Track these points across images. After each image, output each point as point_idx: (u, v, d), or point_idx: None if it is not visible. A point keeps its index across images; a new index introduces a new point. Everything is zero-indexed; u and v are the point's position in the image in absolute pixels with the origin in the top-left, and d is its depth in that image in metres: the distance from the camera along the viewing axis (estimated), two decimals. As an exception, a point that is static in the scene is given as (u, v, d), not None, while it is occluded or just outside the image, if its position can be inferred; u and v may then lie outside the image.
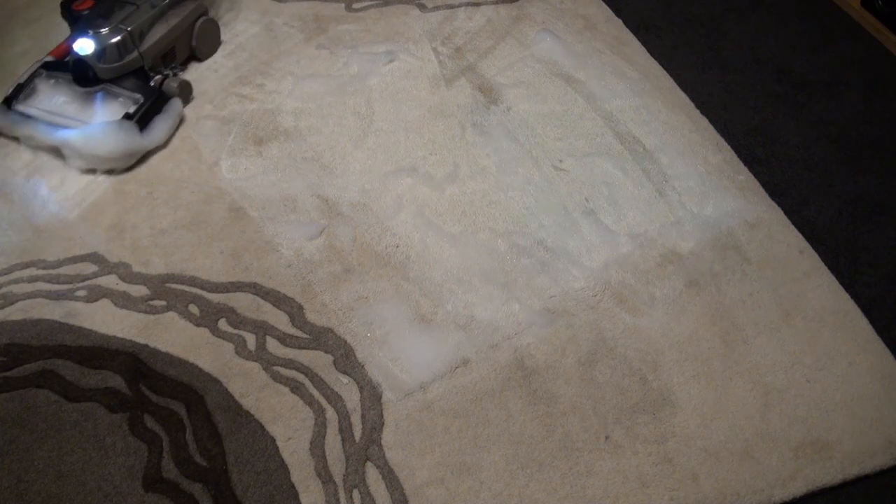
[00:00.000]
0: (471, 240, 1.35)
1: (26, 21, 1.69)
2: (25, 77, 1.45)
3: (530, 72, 1.66)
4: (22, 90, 1.44)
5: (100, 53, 1.42)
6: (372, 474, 1.08)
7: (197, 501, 1.04)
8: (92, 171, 1.41)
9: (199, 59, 1.63)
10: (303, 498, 1.05)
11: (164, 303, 1.24)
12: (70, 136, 1.39)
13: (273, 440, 1.10)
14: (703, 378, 1.19)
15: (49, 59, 1.49)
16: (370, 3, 1.80)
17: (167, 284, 1.26)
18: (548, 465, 1.10)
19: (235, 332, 1.21)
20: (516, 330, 1.23)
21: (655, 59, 1.71)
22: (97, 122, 1.41)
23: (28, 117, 1.42)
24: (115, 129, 1.39)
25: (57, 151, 1.42)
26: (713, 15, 1.86)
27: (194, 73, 1.60)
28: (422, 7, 1.78)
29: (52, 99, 1.45)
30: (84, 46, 1.41)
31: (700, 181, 1.46)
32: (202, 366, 1.17)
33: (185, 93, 1.52)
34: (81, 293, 1.24)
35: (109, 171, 1.41)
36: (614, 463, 1.10)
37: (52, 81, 1.46)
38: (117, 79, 1.45)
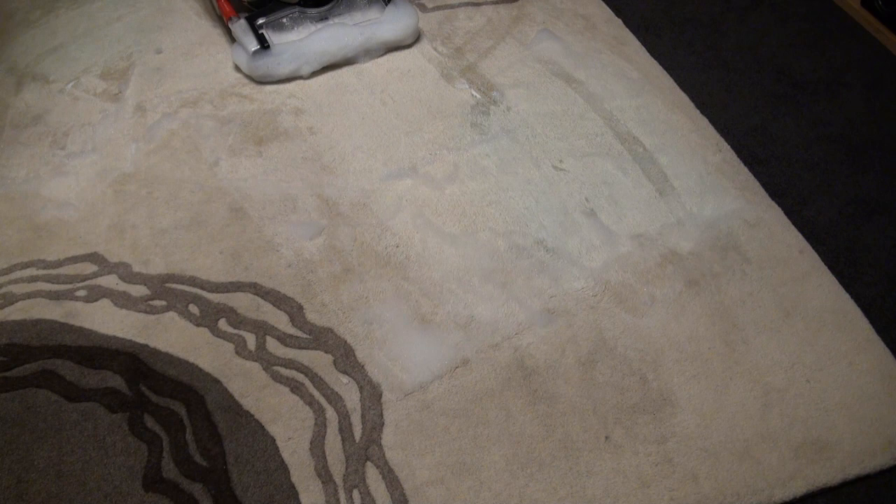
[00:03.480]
0: (471, 240, 1.35)
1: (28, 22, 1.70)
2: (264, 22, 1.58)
3: (530, 72, 1.66)
4: (261, 34, 1.56)
5: None
6: (372, 474, 1.08)
7: (197, 501, 1.04)
8: (391, 50, 1.66)
9: None
10: (303, 498, 1.05)
11: (164, 303, 1.24)
12: (375, 28, 1.60)
13: (273, 440, 1.10)
14: (703, 378, 1.20)
15: (239, 16, 1.58)
16: (370, 3, 1.80)
17: (167, 284, 1.26)
18: (548, 465, 1.10)
19: (235, 332, 1.21)
20: (516, 330, 1.23)
21: (655, 59, 1.71)
22: (386, 12, 1.62)
23: (297, 44, 1.56)
24: (405, 7, 1.63)
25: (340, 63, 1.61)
26: (713, 15, 1.86)
27: (195, 74, 1.60)
28: (422, 7, 1.78)
29: (298, 28, 1.60)
30: None
31: (700, 181, 1.46)
32: (202, 366, 1.17)
33: None
34: (81, 293, 1.24)
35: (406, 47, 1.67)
36: (614, 463, 1.10)
37: (285, 20, 1.59)
38: None
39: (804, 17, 1.87)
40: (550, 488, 1.08)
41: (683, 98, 1.63)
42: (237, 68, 1.60)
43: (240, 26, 1.57)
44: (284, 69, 1.57)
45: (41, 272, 1.27)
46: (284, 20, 1.58)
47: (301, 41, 1.57)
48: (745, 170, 1.50)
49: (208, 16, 1.73)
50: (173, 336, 1.20)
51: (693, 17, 1.85)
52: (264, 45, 1.55)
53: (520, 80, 1.63)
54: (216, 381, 1.15)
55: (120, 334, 1.20)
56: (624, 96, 1.61)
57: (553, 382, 1.18)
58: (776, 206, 1.44)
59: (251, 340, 1.20)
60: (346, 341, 1.21)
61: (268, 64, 1.55)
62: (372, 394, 1.15)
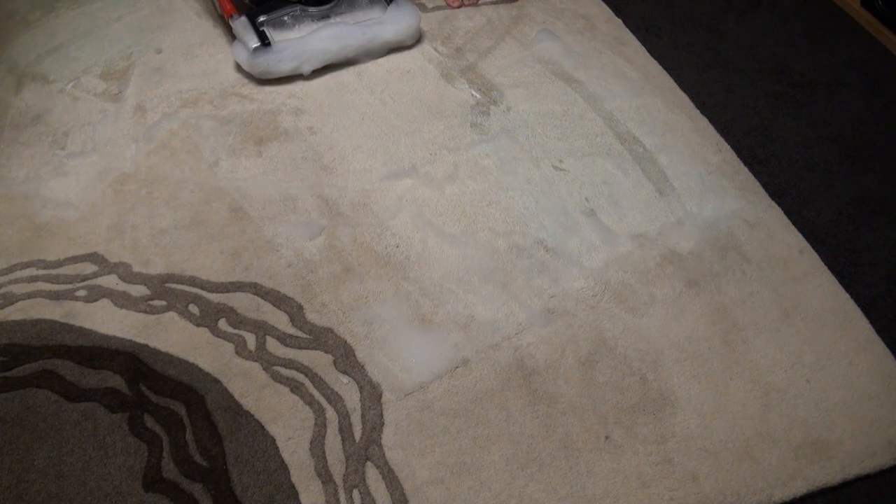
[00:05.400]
0: (471, 240, 1.35)
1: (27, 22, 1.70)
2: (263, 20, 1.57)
3: (530, 72, 1.66)
4: (262, 31, 1.55)
5: None
6: (372, 474, 1.08)
7: (197, 501, 1.04)
8: (394, 50, 1.66)
9: None
10: (303, 498, 1.05)
11: (164, 303, 1.24)
12: (378, 29, 1.60)
13: (273, 440, 1.10)
14: (703, 378, 1.20)
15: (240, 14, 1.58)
16: (370, 3, 1.80)
17: (167, 284, 1.26)
18: (548, 465, 1.10)
19: (235, 332, 1.21)
20: (516, 330, 1.23)
21: (655, 59, 1.71)
22: (388, 12, 1.62)
23: (296, 42, 1.56)
24: (407, 7, 1.63)
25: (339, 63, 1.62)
26: (713, 15, 1.86)
27: (195, 74, 1.60)
28: (422, 7, 1.78)
29: (299, 26, 1.59)
30: None
31: (700, 181, 1.46)
32: (202, 366, 1.17)
33: None
34: (81, 293, 1.24)
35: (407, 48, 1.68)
36: (614, 463, 1.10)
37: (287, 18, 1.59)
38: None
39: (804, 17, 1.87)
40: (550, 488, 1.08)
41: (683, 98, 1.63)
42: (238, 66, 1.60)
43: (241, 23, 1.57)
44: (285, 66, 1.57)
45: (41, 272, 1.27)
46: (286, 18, 1.58)
47: (302, 39, 1.57)
48: (745, 170, 1.50)
49: (208, 16, 1.73)
50: (173, 336, 1.20)
51: (693, 17, 1.85)
52: (265, 42, 1.55)
53: (520, 80, 1.63)
54: (216, 381, 1.15)
55: (120, 334, 1.20)
56: (624, 96, 1.61)
57: (553, 382, 1.18)
58: (776, 206, 1.44)
59: (251, 340, 1.20)
60: (346, 341, 1.21)
61: (268, 61, 1.55)
62: (372, 394, 1.15)
